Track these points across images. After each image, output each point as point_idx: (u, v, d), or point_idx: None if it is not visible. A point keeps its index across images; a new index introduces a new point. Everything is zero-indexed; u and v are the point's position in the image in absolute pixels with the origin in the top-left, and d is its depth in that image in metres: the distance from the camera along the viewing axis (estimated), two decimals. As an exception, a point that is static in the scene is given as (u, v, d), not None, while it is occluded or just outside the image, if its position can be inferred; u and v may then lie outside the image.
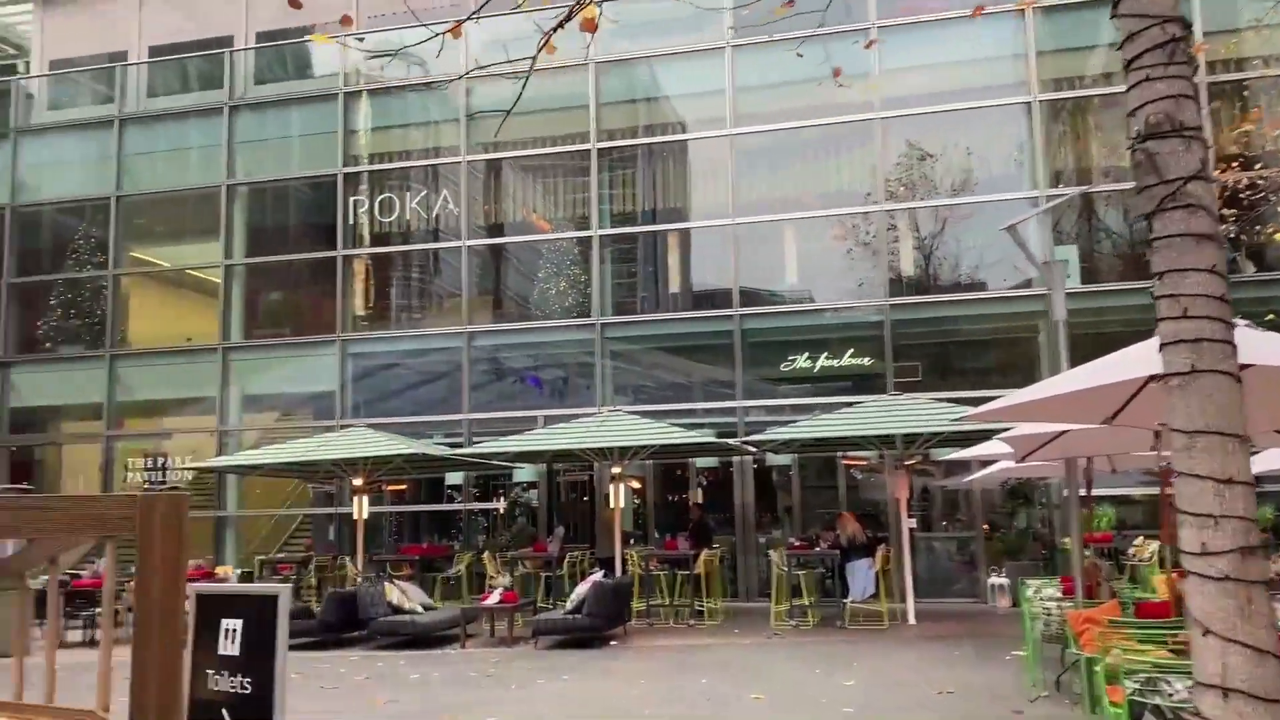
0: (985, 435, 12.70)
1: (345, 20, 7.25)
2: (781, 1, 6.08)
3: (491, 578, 14.35)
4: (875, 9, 18.26)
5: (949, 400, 14.36)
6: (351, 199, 20.51)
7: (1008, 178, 17.92)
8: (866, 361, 17.75)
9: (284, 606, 4.33)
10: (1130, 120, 3.76)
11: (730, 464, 18.40)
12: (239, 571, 17.29)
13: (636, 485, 18.68)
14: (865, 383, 17.58)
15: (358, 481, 16.01)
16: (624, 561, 15.06)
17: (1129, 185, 14.79)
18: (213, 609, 4.74)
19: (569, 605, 12.97)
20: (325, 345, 20.18)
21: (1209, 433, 3.41)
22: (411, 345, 20.22)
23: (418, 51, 21.04)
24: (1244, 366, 3.66)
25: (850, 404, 15.65)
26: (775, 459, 18.22)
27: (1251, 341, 5.03)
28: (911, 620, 13.92)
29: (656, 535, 18.58)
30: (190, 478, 20.86)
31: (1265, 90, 17.12)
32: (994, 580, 16.02)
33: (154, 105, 21.93)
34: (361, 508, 16.13)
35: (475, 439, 18.36)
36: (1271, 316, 14.55)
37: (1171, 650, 5.77)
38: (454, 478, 20.33)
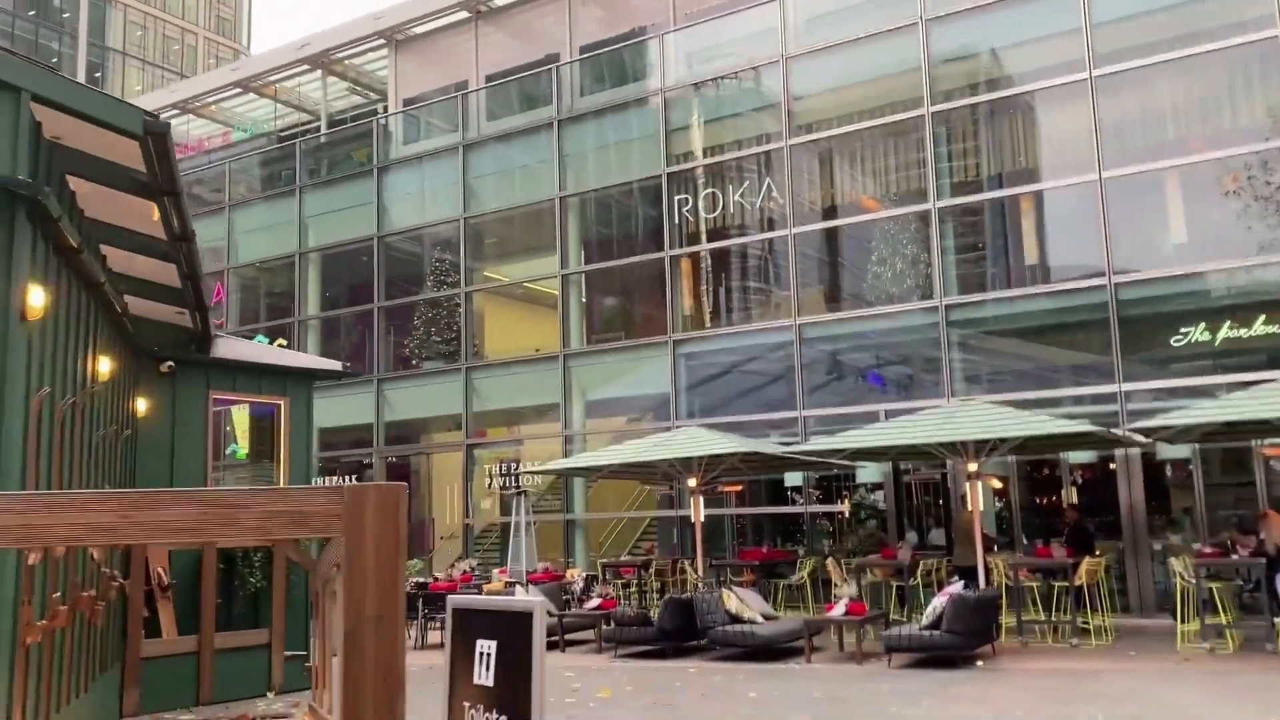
0: None
1: None
2: None
3: (836, 586, 13.14)
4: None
5: None
6: (676, 198, 20.18)
7: None
8: (1284, 329, 14.57)
9: (539, 626, 3.53)
10: None
11: (1111, 458, 15.87)
12: (585, 574, 17.36)
13: (998, 485, 16.62)
14: (1284, 354, 14.43)
15: (692, 482, 15.45)
16: (987, 571, 13.24)
17: None
18: (470, 626, 4.04)
19: (925, 619, 11.47)
20: (657, 347, 19.97)
21: None
22: (742, 342, 19.48)
23: (734, 41, 20.41)
24: None
25: (1263, 381, 12.79)
26: (1169, 450, 15.43)
27: None
28: (1375, 649, 10.97)
29: (1024, 541, 16.41)
30: (540, 482, 21.50)
31: None
32: None
33: (492, 129, 22.98)
34: (698, 510, 15.56)
35: (812, 437, 17.23)
36: None
37: None
38: (794, 479, 19.32)
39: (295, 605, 10.54)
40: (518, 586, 14.56)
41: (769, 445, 15.97)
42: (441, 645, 12.24)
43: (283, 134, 26.27)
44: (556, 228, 21.34)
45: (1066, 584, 13.03)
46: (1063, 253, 17.37)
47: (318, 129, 25.91)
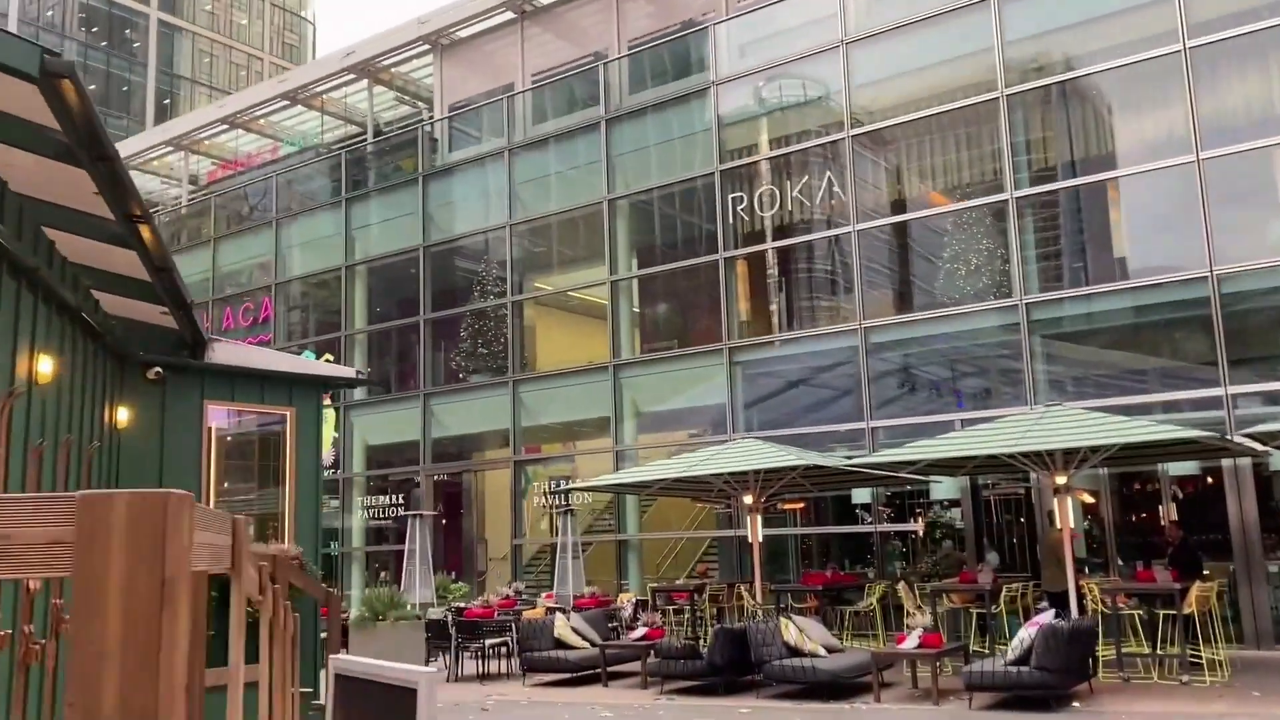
0: None
1: None
2: None
3: (909, 614, 11.74)
4: None
5: None
6: (730, 197, 18.99)
7: None
8: None
9: (426, 701, 2.63)
10: None
11: (1216, 470, 14.22)
12: (635, 599, 16.15)
13: (1090, 499, 15.02)
14: None
15: (748, 499, 14.19)
16: (1080, 596, 11.73)
17: None
18: (351, 699, 3.18)
19: (1011, 653, 10.03)
20: (712, 355, 18.76)
21: None
22: (803, 348, 18.17)
23: (790, 28, 19.18)
24: None
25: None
26: (1284, 460, 13.74)
27: None
28: None
29: (1119, 562, 14.79)
30: (591, 500, 20.40)
31: None
32: None
33: (538, 132, 22.06)
34: (755, 529, 14.28)
35: (880, 450, 15.82)
36: None
37: None
38: (862, 496, 17.90)
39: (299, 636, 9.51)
40: (558, 613, 13.42)
41: (831, 458, 14.63)
42: (479, 677, 11.06)
43: (331, 147, 25.77)
44: (605, 232, 20.29)
45: (1173, 611, 11.45)
46: (1157, 244, 15.77)
47: (364, 140, 25.32)
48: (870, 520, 17.93)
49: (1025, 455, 11.76)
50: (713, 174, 19.09)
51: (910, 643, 10.90)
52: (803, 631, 11.52)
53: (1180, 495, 15.08)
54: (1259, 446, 11.65)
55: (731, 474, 13.97)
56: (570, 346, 21.93)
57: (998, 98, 16.28)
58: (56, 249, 6.66)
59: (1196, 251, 14.37)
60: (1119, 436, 11.01)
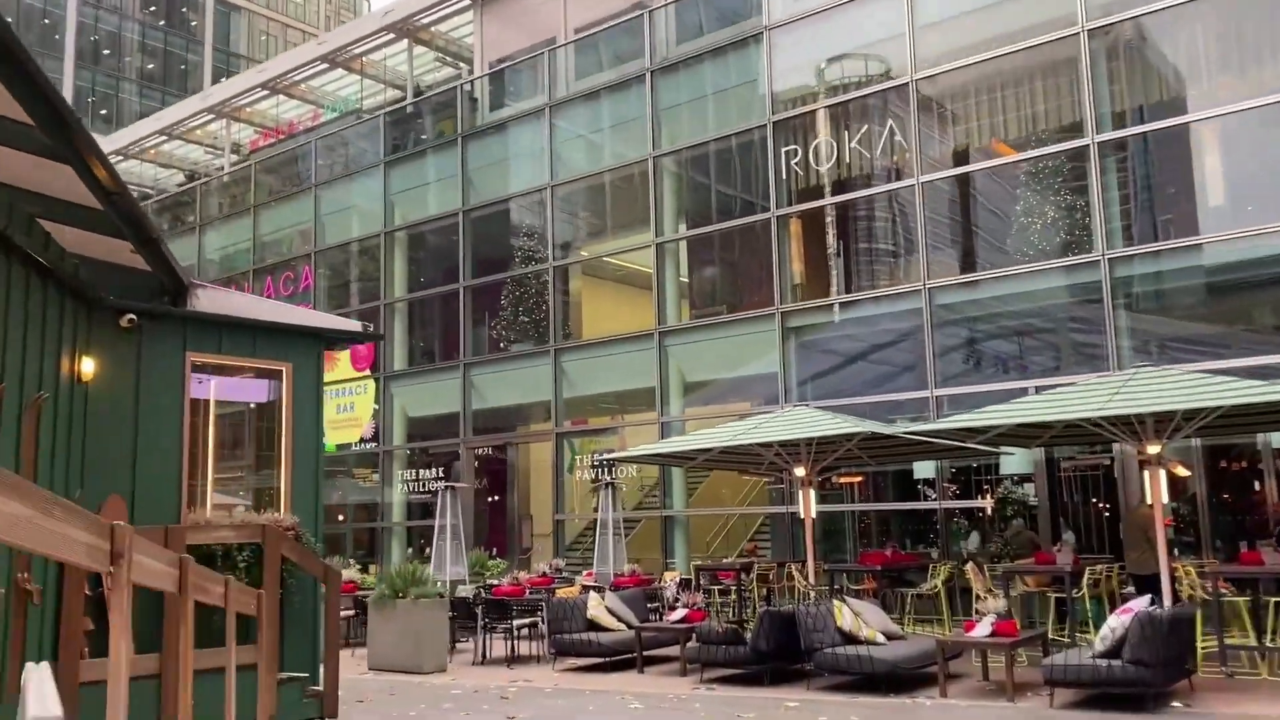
0: None
1: None
2: None
3: (979, 598, 10.47)
4: None
5: None
6: (783, 150, 17.69)
7: None
8: None
9: None
10: None
11: (1328, 440, 12.68)
12: (680, 578, 15.08)
13: (1185, 472, 13.54)
14: None
15: (800, 472, 13.01)
16: (1173, 580, 10.37)
17: None
18: None
19: (1099, 644, 8.75)
20: (763, 321, 17.53)
21: None
22: (862, 311, 16.86)
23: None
24: None
25: None
26: None
27: None
28: None
29: (1217, 544, 13.32)
30: (637, 474, 19.37)
31: None
32: None
33: (581, 87, 20.93)
34: (808, 504, 13.11)
35: (945, 419, 14.50)
36: None
37: None
38: (925, 469, 16.57)
39: (292, 616, 8.62)
40: (592, 593, 12.39)
41: (890, 428, 13.36)
42: (507, 660, 10.06)
43: (372, 113, 24.96)
44: (650, 191, 19.13)
45: (1284, 599, 10.04)
46: (1258, 190, 14.15)
47: (404, 103, 24.44)
48: (934, 496, 16.61)
49: (1112, 421, 10.41)
50: (764, 126, 17.80)
51: (981, 630, 9.66)
52: (859, 616, 10.34)
53: (1284, 469, 13.54)
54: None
55: (782, 444, 12.81)
56: (614, 314, 20.86)
57: (1078, 33, 14.76)
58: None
59: (1307, 197, 12.80)
60: (1223, 398, 9.61)
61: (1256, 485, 13.77)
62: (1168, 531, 12.01)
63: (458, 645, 13.24)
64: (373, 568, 19.77)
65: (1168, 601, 9.83)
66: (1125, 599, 10.48)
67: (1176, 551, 12.85)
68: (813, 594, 12.82)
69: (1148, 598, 9.24)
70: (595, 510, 19.34)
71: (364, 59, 25.73)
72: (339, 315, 24.36)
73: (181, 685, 4.16)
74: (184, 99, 62.16)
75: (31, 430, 6.47)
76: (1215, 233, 13.92)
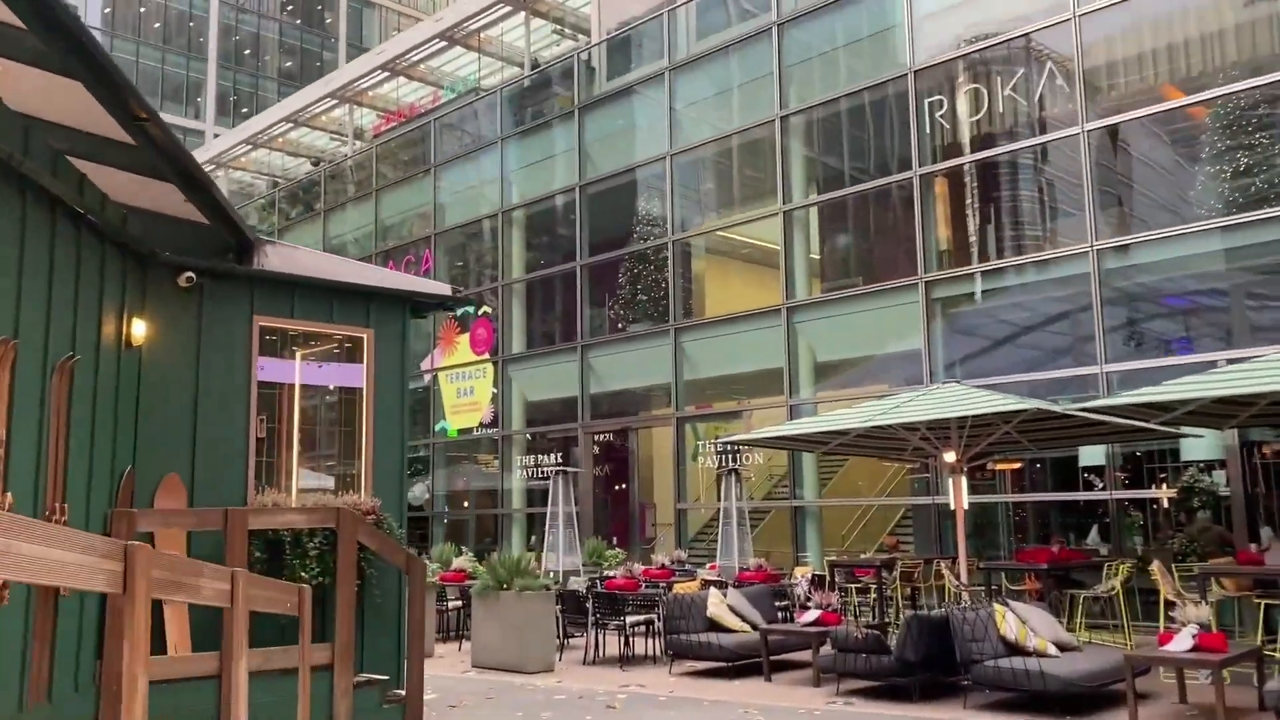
0: None
1: None
2: None
3: (1179, 606, 8.76)
4: None
5: None
6: (927, 102, 16.00)
7: None
8: None
9: None
10: None
11: None
12: (812, 573, 13.68)
13: None
14: None
15: (950, 457, 11.46)
16: None
17: None
18: None
19: (1342, 670, 7.01)
20: (904, 292, 15.92)
21: None
22: (1018, 279, 15.07)
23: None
24: None
25: None
26: None
27: None
28: None
29: None
30: (763, 460, 18.03)
31: None
32: None
33: (702, 47, 19.64)
34: (959, 494, 11.55)
35: (1124, 395, 12.66)
36: None
37: None
38: (1092, 456, 14.68)
39: (372, 610, 7.69)
40: (713, 589, 11.16)
41: (1058, 405, 11.65)
42: (620, 660, 8.89)
43: (489, 91, 24.30)
44: (777, 154, 17.70)
45: None
46: None
47: (521, 78, 23.67)
48: (1102, 486, 14.70)
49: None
50: (905, 76, 16.15)
51: (1181, 643, 7.99)
52: (1025, 623, 8.79)
53: None
54: None
55: (930, 424, 11.30)
56: (737, 292, 19.54)
57: (1279, -54, 12.64)
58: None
59: None
60: None
61: None
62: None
63: (570, 641, 12.23)
64: (494, 556, 19.03)
65: None
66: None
67: None
68: (965, 595, 11.28)
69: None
70: (719, 499, 18.13)
71: (481, 35, 25.08)
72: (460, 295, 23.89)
73: (234, 697, 3.20)
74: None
75: (61, 398, 5.65)
76: None
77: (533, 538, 21.58)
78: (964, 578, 11.42)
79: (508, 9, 23.99)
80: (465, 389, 23.23)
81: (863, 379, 16.98)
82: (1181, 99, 13.91)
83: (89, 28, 4.76)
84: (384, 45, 28.74)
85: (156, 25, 62.18)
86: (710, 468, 18.77)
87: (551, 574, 13.73)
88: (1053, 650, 8.66)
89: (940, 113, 15.89)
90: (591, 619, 11.38)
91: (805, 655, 10.39)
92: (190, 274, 7.03)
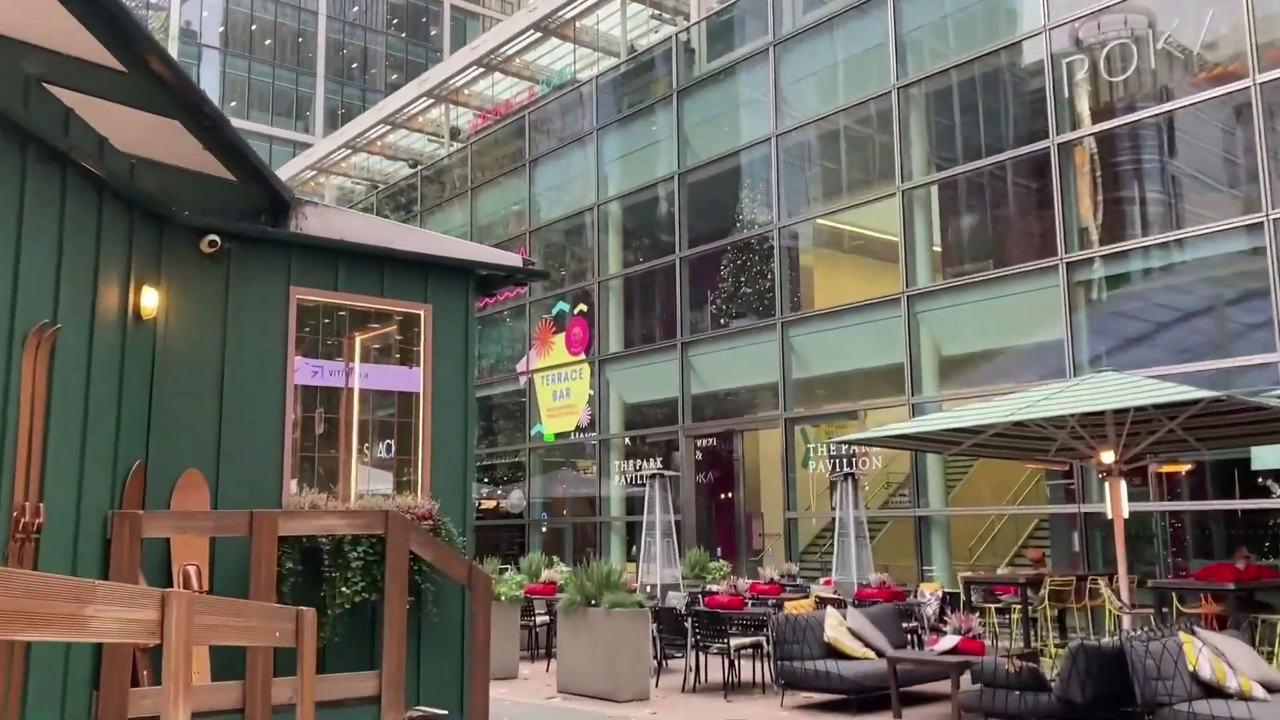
0: None
1: None
2: None
3: None
4: None
5: None
6: (1065, 63, 14.27)
7: None
8: None
9: None
10: None
11: None
12: (942, 591, 12.09)
13: None
14: None
15: (1108, 457, 9.78)
16: None
17: None
18: None
19: None
20: (1042, 275, 14.21)
21: None
22: (1178, 255, 13.21)
23: None
24: None
25: None
26: None
27: None
28: None
29: None
30: (880, 465, 16.45)
31: None
32: None
33: (810, 19, 18.20)
34: (1118, 500, 9.85)
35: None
36: None
37: None
38: (1267, 458, 12.71)
39: (430, 632, 6.55)
40: (830, 608, 9.72)
41: (1243, 395, 9.85)
42: (724, 688, 7.48)
43: (585, 82, 23.33)
44: (894, 128, 16.15)
45: None
46: None
47: (617, 65, 22.61)
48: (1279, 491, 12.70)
49: None
50: (1039, 33, 14.44)
51: None
52: (1221, 656, 7.14)
53: None
54: None
55: (1083, 418, 9.67)
56: (849, 281, 18.01)
57: None
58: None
59: None
60: None
61: None
62: None
63: (667, 663, 10.94)
64: (582, 567, 17.91)
65: None
66: None
67: None
68: (1126, 619, 9.61)
69: None
70: (833, 508, 16.65)
71: (577, 24, 24.13)
72: (555, 296, 22.95)
73: None
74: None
75: (38, 375, 4.65)
76: None
77: (633, 548, 20.39)
78: (1125, 598, 9.74)
79: (603, -6, 22.99)
80: (561, 391, 22.22)
81: (994, 375, 15.24)
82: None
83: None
84: (478, 40, 28.05)
85: (268, 42, 63.66)
86: (822, 474, 17.27)
87: (648, 588, 12.48)
88: (1259, 692, 6.99)
89: (1081, 74, 14.13)
90: (691, 640, 10.08)
91: (940, 687, 8.89)
92: (214, 237, 6.03)
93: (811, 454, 17.39)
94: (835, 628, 9.29)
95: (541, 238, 23.69)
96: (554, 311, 22.69)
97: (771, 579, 12.75)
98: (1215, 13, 12.87)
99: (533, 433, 23.03)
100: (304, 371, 6.80)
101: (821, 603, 10.71)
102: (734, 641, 9.75)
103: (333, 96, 65.02)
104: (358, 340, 7.59)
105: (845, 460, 16.14)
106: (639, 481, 20.17)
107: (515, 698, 9.65)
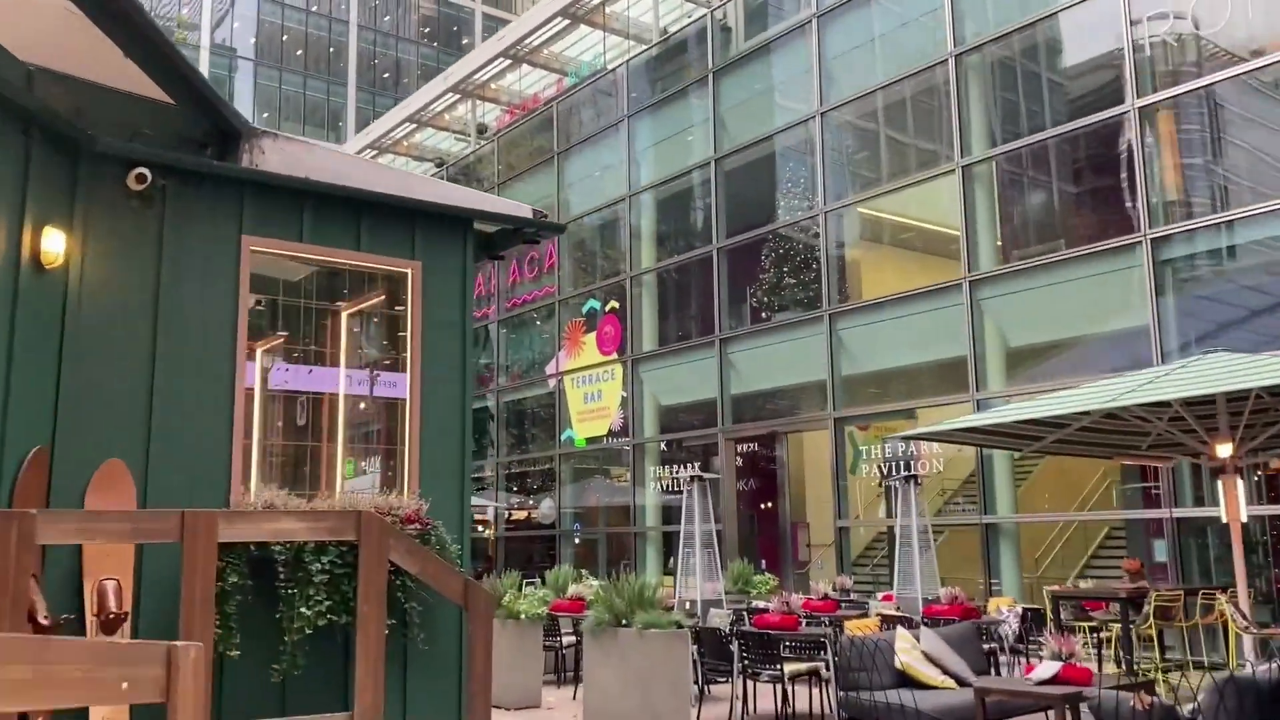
0: None
1: None
2: None
3: None
4: None
5: None
6: (1145, 18, 12.83)
7: None
8: None
9: None
10: None
11: None
12: (1021, 607, 10.63)
13: None
14: None
15: (1224, 450, 8.37)
16: None
17: None
18: None
19: None
20: (1120, 255, 12.77)
21: None
22: (1274, 229, 11.71)
23: None
24: None
25: None
26: None
27: None
28: None
29: None
30: (940, 467, 15.01)
31: None
32: None
33: (854, -11, 16.88)
34: (1234, 502, 8.44)
35: None
36: None
37: None
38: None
39: (417, 661, 5.30)
40: (900, 629, 8.35)
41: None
42: None
43: (615, 68, 22.16)
44: (951, 100, 14.78)
45: None
46: None
47: (650, 50, 21.40)
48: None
49: None
50: (1113, -12, 13.03)
51: None
52: (1402, 694, 5.69)
53: None
54: None
55: (1190, 403, 8.26)
56: (904, 266, 16.62)
57: None
58: None
59: None
60: None
61: None
62: None
63: (710, 689, 9.59)
64: (613, 580, 16.60)
65: None
66: None
67: None
68: (1247, 640, 8.18)
69: None
70: (891, 515, 15.24)
71: (606, 10, 22.97)
72: (584, 295, 21.73)
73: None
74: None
75: None
76: None
77: (671, 559, 19.06)
78: (1250, 613, 8.30)
79: (633, -24, 21.83)
80: (593, 393, 20.97)
81: (1068, 368, 13.74)
82: None
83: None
84: (504, 30, 27.00)
85: (299, 52, 63.36)
86: (871, 481, 15.86)
87: (687, 604, 11.16)
88: None
89: (1163, 29, 12.69)
90: (738, 665, 8.74)
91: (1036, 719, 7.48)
92: (143, 170, 4.83)
93: (864, 456, 15.97)
94: (908, 652, 7.91)
95: (570, 233, 22.50)
96: (584, 310, 21.48)
97: (825, 594, 11.37)
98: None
99: (563, 438, 21.80)
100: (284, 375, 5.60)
101: (886, 622, 9.33)
102: (788, 668, 8.38)
103: (364, 107, 64.53)
104: (343, 316, 6.39)
105: (903, 463, 14.74)
106: (675, 489, 18.84)
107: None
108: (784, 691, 8.68)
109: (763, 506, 18.82)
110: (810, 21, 17.04)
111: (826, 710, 8.74)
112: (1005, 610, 10.35)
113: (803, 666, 8.56)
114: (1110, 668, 9.09)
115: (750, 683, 8.87)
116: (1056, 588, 10.61)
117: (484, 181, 25.51)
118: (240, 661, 4.72)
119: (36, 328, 4.49)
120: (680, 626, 8.40)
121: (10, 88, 4.27)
